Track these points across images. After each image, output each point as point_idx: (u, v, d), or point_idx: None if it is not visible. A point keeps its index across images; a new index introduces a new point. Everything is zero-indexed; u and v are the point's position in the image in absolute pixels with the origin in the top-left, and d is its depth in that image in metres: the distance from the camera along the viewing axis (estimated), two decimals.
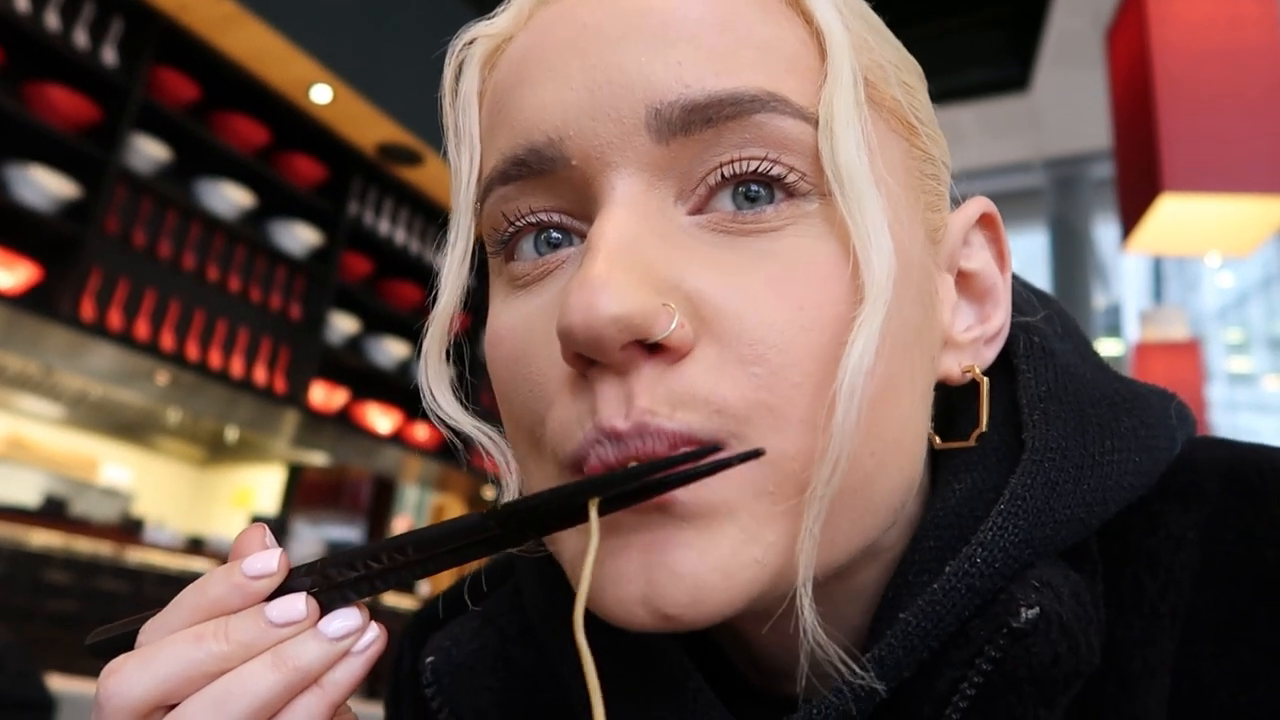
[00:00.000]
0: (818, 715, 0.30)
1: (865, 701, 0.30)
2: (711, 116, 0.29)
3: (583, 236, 0.32)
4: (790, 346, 0.28)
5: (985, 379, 0.35)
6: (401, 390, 4.04)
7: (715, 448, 0.27)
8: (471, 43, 0.35)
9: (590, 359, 0.29)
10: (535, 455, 0.32)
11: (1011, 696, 0.29)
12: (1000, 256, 0.37)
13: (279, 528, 4.21)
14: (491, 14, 0.35)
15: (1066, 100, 4.78)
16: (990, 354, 0.36)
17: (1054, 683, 0.29)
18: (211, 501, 5.32)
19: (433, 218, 4.18)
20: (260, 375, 3.35)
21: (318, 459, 4.84)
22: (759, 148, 0.29)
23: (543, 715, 0.37)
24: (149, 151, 3.04)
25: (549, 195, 0.32)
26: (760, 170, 0.29)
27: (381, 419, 3.86)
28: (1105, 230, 6.44)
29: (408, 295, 4.01)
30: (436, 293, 0.34)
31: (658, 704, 0.34)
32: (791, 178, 0.30)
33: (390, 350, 3.91)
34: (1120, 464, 0.32)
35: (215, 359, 3.20)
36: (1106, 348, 8.21)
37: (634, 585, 0.28)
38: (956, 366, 0.35)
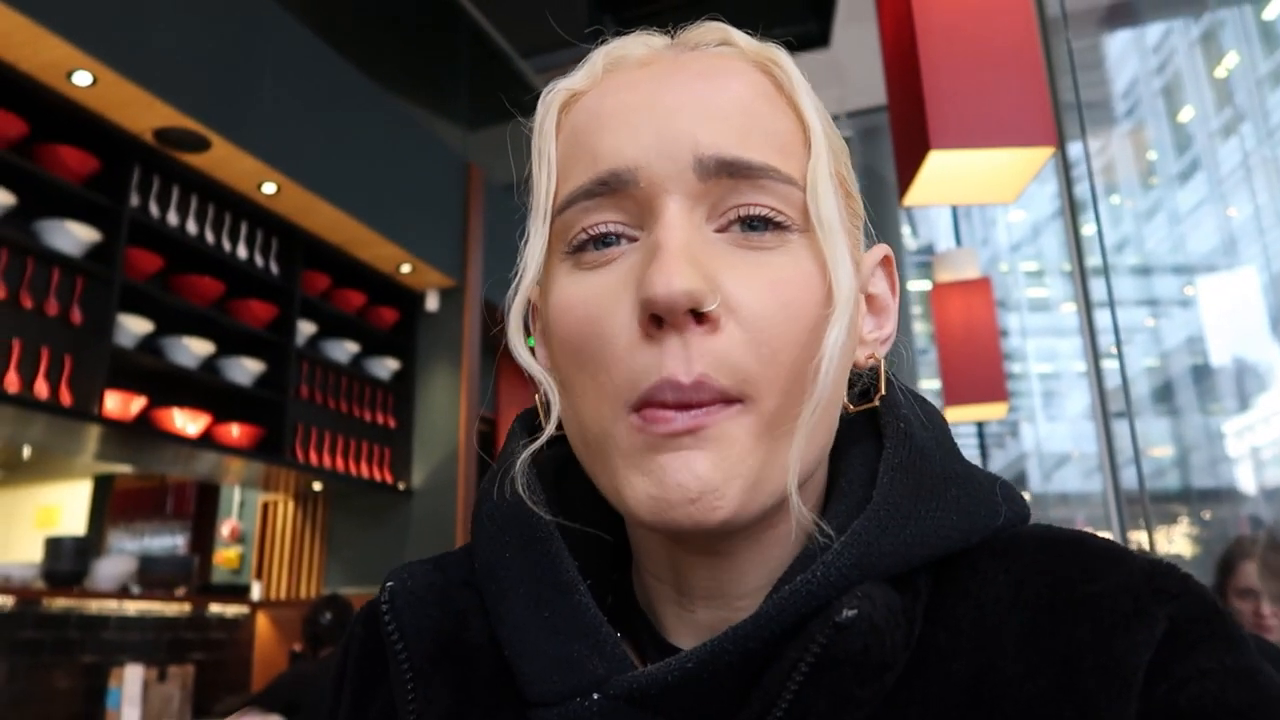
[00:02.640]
0: (698, 652, 0.41)
1: (733, 654, 0.40)
2: (734, 171, 0.43)
3: (632, 240, 0.44)
4: (780, 332, 0.42)
5: (882, 360, 0.50)
6: (207, 390, 3.82)
7: (739, 401, 0.41)
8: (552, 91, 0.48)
9: (659, 321, 0.40)
10: (596, 392, 0.43)
11: (834, 674, 0.39)
12: (893, 287, 0.52)
13: (89, 545, 3.92)
14: (571, 72, 0.48)
15: (861, 55, 4.97)
16: (883, 351, 0.50)
17: (866, 667, 0.40)
18: (11, 524, 4.90)
19: (226, 205, 3.94)
20: (42, 389, 3.09)
21: (127, 469, 4.52)
22: (765, 198, 0.43)
23: (467, 649, 0.47)
24: None
25: (617, 210, 0.44)
26: (763, 215, 0.43)
27: (188, 422, 3.64)
28: None
29: (206, 289, 3.77)
30: (521, 272, 0.46)
31: (577, 638, 0.44)
32: (782, 220, 0.43)
33: (192, 349, 3.68)
34: (939, 521, 0.44)
35: None
36: (919, 288, 8.68)
37: (673, 481, 0.41)
38: (863, 356, 0.49)
